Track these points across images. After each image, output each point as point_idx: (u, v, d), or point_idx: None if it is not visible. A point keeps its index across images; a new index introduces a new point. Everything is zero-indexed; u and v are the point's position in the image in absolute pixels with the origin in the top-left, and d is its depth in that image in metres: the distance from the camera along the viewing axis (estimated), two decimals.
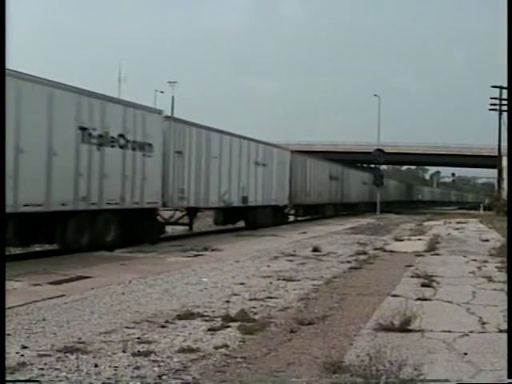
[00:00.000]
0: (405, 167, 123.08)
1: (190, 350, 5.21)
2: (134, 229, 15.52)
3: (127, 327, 6.09)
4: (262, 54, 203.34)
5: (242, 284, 9.13)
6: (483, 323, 6.46)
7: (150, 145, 15.99)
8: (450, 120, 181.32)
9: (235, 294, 8.14)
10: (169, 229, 20.34)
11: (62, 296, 7.80)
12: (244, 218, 24.21)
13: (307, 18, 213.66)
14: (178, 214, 19.89)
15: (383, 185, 49.46)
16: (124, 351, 5.16)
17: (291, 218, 30.59)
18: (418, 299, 7.79)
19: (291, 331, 5.98)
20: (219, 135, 20.99)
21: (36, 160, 12.05)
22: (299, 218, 31.75)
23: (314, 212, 34.51)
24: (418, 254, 13.92)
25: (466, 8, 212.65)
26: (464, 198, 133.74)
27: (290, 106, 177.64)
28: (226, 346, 5.38)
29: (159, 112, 17.24)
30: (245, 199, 22.93)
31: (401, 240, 18.74)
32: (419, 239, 18.91)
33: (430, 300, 7.86)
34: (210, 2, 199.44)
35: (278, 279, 9.61)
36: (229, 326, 6.14)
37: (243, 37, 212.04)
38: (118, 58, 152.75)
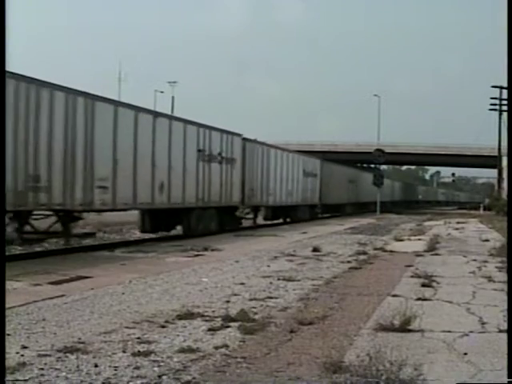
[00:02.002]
0: (405, 167, 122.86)
1: (190, 350, 5.21)
2: None
3: (127, 327, 6.09)
4: (262, 53, 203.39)
5: (242, 284, 9.13)
6: (483, 323, 6.46)
7: None
8: (450, 120, 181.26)
9: (235, 294, 8.14)
10: None
11: (62, 296, 7.80)
12: None
13: (307, 18, 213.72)
14: None
15: (383, 185, 49.22)
16: (124, 351, 5.16)
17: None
18: (418, 299, 7.78)
19: (291, 331, 5.98)
20: None
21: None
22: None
23: (168, 225, 19.10)
24: (417, 254, 13.92)
25: (466, 8, 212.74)
26: (455, 198, 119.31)
27: (290, 106, 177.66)
28: (226, 346, 5.38)
29: None
30: None
31: (401, 240, 18.72)
32: (419, 239, 18.90)
33: (430, 300, 7.86)
34: (210, 1, 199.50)
35: (278, 279, 9.61)
36: (229, 326, 6.14)
37: (243, 36, 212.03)
38: (117, 58, 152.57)
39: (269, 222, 27.37)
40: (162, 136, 17.11)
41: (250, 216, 26.01)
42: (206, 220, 19.92)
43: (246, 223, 24.78)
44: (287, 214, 29.51)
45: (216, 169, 20.50)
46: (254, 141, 25.32)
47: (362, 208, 44.46)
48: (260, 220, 27.37)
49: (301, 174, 30.72)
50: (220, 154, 20.78)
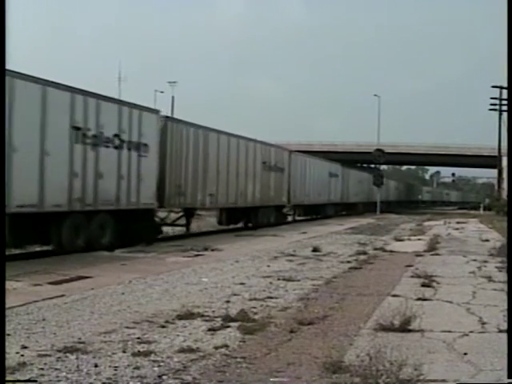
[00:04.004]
0: (405, 167, 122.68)
1: (190, 350, 5.21)
2: None
3: (127, 327, 6.09)
4: (262, 53, 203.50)
5: (241, 284, 9.13)
6: (483, 323, 6.46)
7: None
8: (450, 120, 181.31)
9: (235, 294, 8.14)
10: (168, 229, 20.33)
11: (62, 296, 7.80)
12: None
13: (308, 18, 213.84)
14: None
15: (383, 184, 49.15)
16: (124, 351, 5.16)
17: None
18: (418, 299, 7.78)
19: (291, 331, 5.98)
20: None
21: None
22: None
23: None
24: (417, 254, 13.92)
25: (466, 8, 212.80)
26: (444, 198, 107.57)
27: (290, 106, 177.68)
28: (226, 346, 5.38)
29: None
30: None
31: (401, 240, 18.73)
32: (419, 239, 18.92)
33: (430, 300, 7.86)
34: (211, 2, 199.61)
35: (278, 279, 9.61)
36: (229, 326, 6.14)
37: (244, 36, 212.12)
38: (117, 58, 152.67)
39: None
40: None
41: None
42: None
43: None
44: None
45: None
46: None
47: (311, 213, 31.29)
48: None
49: (126, 149, 15.06)
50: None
